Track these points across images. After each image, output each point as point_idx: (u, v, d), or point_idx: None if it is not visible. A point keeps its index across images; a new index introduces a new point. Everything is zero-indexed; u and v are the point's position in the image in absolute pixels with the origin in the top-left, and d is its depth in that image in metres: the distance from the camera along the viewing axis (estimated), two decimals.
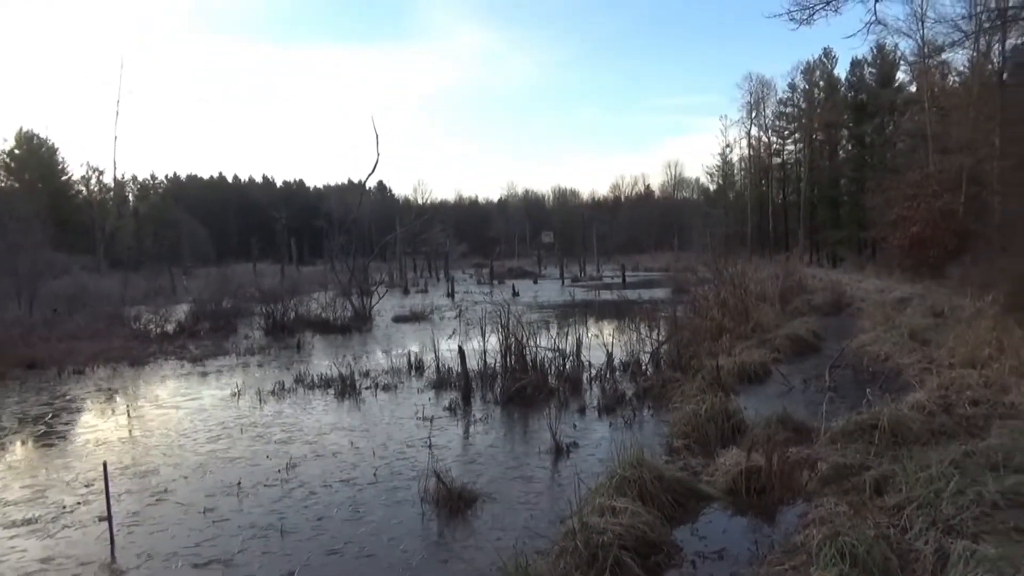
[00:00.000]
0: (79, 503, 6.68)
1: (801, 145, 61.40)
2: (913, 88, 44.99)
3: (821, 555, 4.47)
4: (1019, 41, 27.48)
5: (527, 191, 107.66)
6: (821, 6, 15.73)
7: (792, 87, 61.79)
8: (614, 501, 5.40)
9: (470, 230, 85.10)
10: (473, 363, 11.62)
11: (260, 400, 11.32)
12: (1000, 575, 4.02)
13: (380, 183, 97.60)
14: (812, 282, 29.21)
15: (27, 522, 6.21)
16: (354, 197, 34.02)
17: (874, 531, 4.81)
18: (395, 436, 8.81)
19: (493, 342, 12.06)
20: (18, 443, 9.27)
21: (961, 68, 35.58)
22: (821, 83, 60.11)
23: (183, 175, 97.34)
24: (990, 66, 30.42)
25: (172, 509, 6.46)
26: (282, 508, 6.37)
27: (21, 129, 64.29)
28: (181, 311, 23.89)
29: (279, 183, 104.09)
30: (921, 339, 13.17)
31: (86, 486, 7.15)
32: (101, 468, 7.64)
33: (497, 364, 11.72)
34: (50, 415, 10.79)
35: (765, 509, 5.88)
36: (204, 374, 14.44)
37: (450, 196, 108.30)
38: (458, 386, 11.34)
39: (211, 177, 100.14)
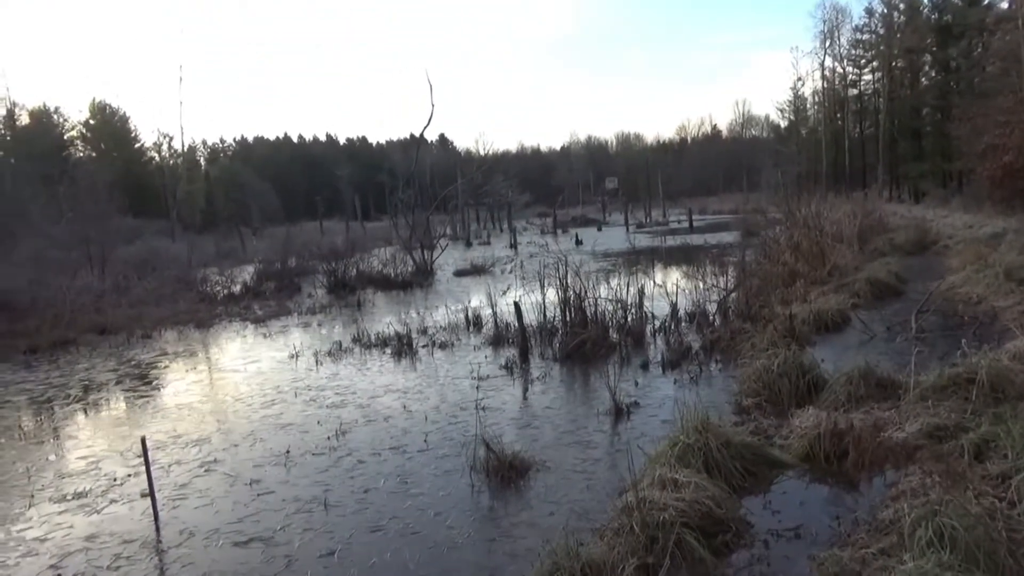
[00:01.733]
0: (130, 475, 6.61)
1: (880, 74, 57.72)
2: (1005, 4, 41.55)
3: (915, 538, 3.90)
4: None
5: (590, 137, 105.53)
6: None
7: (869, 12, 57.89)
8: (676, 473, 4.92)
9: (533, 179, 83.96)
10: (531, 318, 11.21)
11: (317, 362, 11.21)
12: None
13: (442, 136, 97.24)
14: (893, 219, 27.59)
15: (77, 496, 6.17)
16: (416, 151, 33.68)
17: (977, 507, 4.21)
18: (449, 398, 8.50)
19: (552, 295, 11.59)
20: (80, 411, 9.38)
21: None
22: (901, 6, 56.00)
23: (250, 137, 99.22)
24: None
25: (219, 481, 6.31)
26: (328, 479, 6.14)
27: (94, 100, 66.35)
28: (248, 272, 24.26)
29: (342, 140, 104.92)
30: (1019, 279, 12.07)
31: (138, 457, 6.99)
32: (157, 437, 7.66)
33: (556, 318, 11.28)
34: (114, 381, 10.94)
35: (847, 477, 5.30)
36: (266, 335, 14.49)
37: (512, 146, 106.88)
38: (516, 342, 10.97)
39: (277, 138, 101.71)
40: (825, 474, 5.40)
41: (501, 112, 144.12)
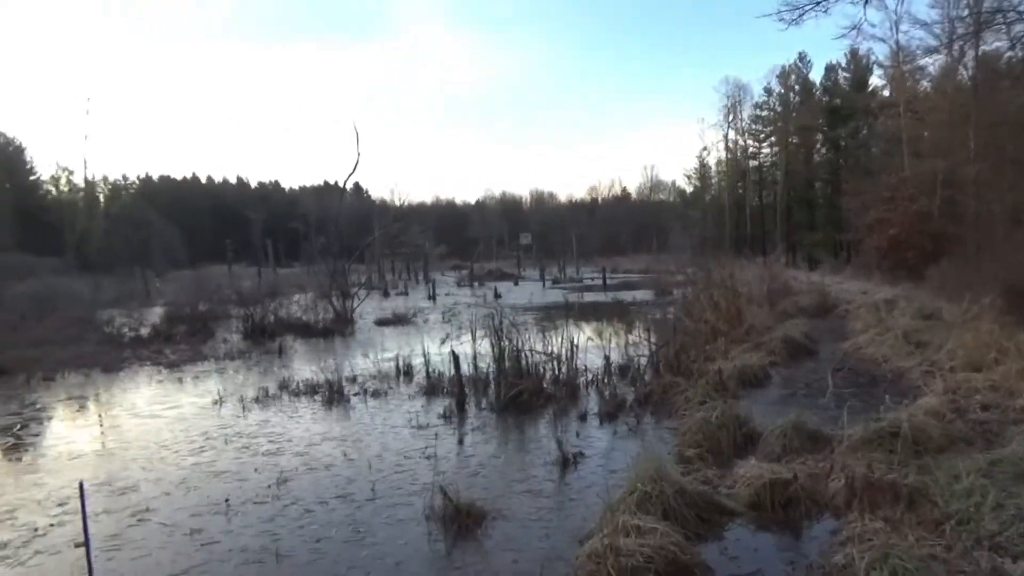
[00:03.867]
0: (52, 525, 6.18)
1: (777, 148, 61.86)
2: (887, 92, 45.57)
3: None
4: (992, 46, 27.82)
5: (504, 193, 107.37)
6: (811, 6, 15.62)
7: (768, 91, 62.31)
8: (637, 519, 5.05)
9: (448, 232, 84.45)
10: (465, 368, 11.21)
11: (244, 408, 10.82)
12: None
13: (356, 185, 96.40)
14: (795, 284, 29.18)
15: None
16: (330, 198, 33.38)
17: (922, 550, 4.52)
18: (390, 446, 8.38)
19: (484, 346, 11.65)
20: None
21: (934, 72, 35.93)
22: (796, 87, 60.64)
23: (155, 176, 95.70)
24: (963, 71, 30.77)
25: (155, 530, 5.98)
26: (276, 528, 5.93)
27: None
28: (155, 315, 23.20)
29: (254, 184, 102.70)
30: (916, 341, 12.99)
31: (59, 505, 6.65)
32: (76, 485, 7.16)
33: (490, 369, 11.34)
34: (18, 426, 10.21)
35: (793, 524, 5.56)
36: (182, 380, 13.87)
37: (427, 198, 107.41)
38: (450, 392, 10.94)
39: (184, 178, 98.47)
40: (772, 521, 5.64)
41: (416, 163, 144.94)
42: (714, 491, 6.10)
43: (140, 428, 9.93)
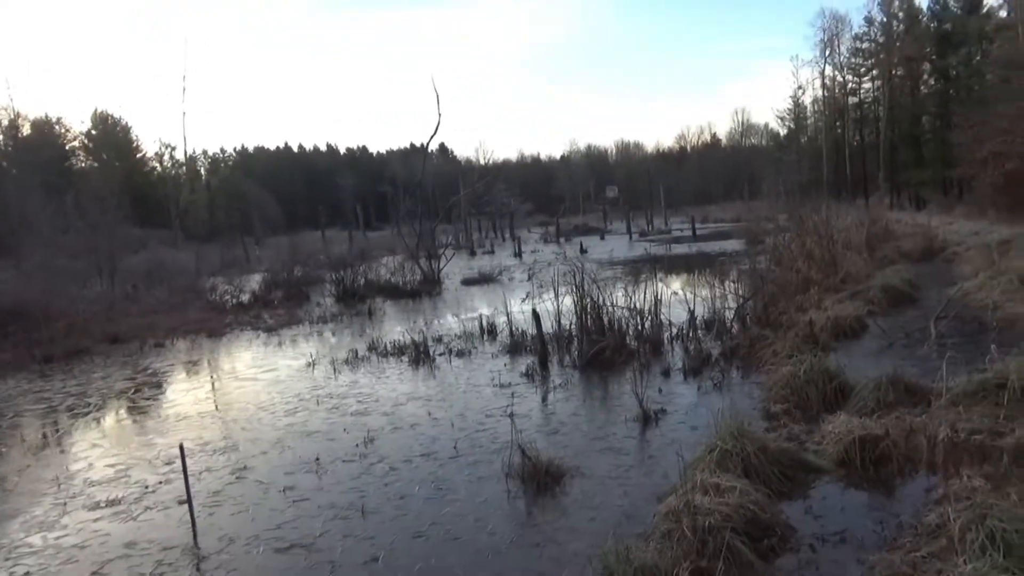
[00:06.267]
0: (161, 482, 6.62)
1: (879, 82, 58.06)
2: (1003, 13, 41.88)
3: (966, 541, 3.92)
4: None
5: (589, 146, 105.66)
6: None
7: (869, 21, 58.28)
8: (717, 478, 4.94)
9: (534, 188, 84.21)
10: (547, 325, 11.20)
11: (335, 370, 11.22)
12: None
13: (442, 145, 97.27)
14: (898, 227, 27.63)
15: (111, 503, 6.17)
16: (417, 161, 33.69)
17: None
18: (473, 405, 8.52)
19: (567, 303, 11.60)
20: (102, 419, 9.40)
21: None
22: (900, 14, 56.45)
23: (251, 147, 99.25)
24: None
25: (252, 488, 6.32)
26: (362, 485, 6.15)
27: (96, 110, 66.48)
28: (254, 281, 24.28)
29: (343, 150, 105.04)
30: None
31: (167, 464, 7.10)
32: (184, 445, 7.65)
33: (572, 326, 11.30)
34: (133, 390, 10.96)
35: (885, 482, 5.32)
36: (279, 344, 14.51)
37: (512, 155, 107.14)
38: (533, 350, 10.97)
39: (277, 148, 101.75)
40: (862, 479, 5.41)
41: (500, 120, 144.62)
42: (800, 448, 5.92)
43: (240, 391, 10.47)
